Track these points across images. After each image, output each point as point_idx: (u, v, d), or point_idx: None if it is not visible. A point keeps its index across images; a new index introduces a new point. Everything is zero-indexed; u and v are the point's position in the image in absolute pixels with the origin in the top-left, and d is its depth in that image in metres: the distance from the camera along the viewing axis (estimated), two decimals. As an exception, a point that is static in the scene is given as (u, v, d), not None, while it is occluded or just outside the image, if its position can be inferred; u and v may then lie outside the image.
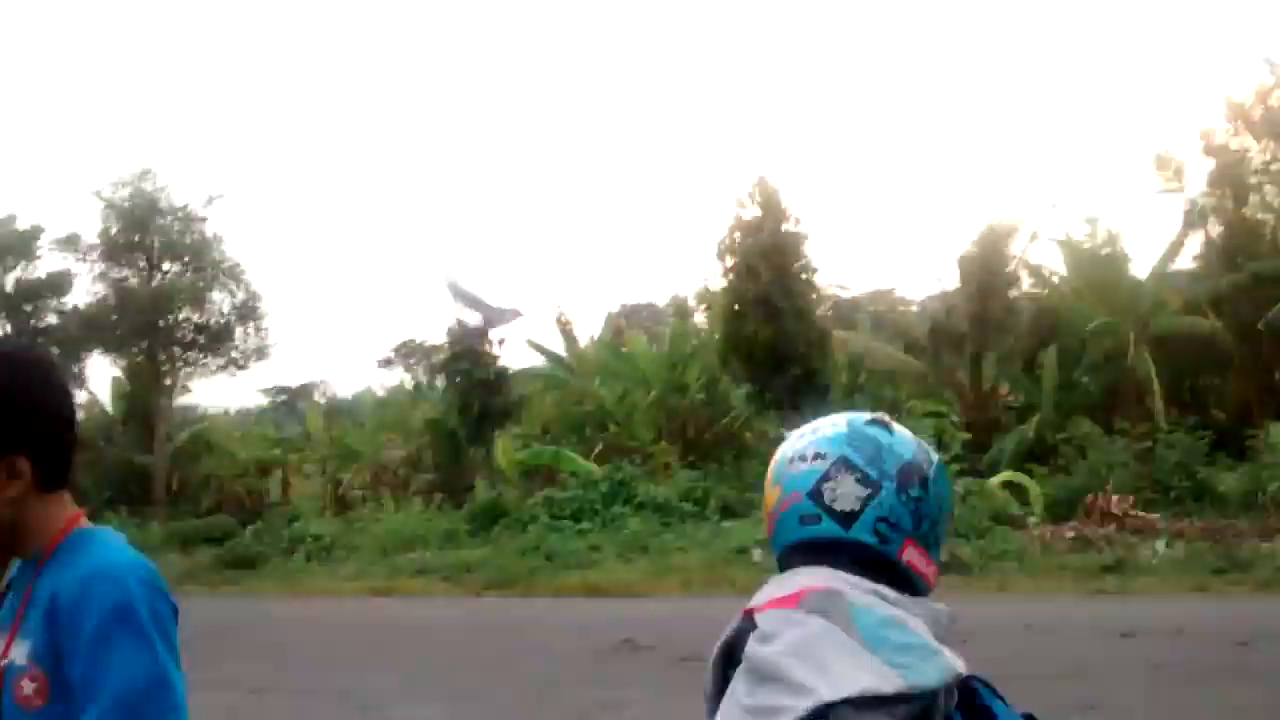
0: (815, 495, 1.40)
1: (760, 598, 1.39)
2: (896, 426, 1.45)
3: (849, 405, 19.76)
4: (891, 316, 26.78)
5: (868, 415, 1.47)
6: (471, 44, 75.78)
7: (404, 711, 7.05)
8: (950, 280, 20.34)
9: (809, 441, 1.45)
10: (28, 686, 1.55)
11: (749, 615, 1.37)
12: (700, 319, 24.72)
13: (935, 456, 1.46)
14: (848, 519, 1.38)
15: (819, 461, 1.41)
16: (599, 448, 21.21)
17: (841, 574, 1.34)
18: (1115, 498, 13.67)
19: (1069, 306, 18.87)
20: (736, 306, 18.95)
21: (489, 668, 8.01)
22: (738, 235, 19.21)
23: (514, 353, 24.02)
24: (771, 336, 17.79)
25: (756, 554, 10.86)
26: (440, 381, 24.06)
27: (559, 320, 24.60)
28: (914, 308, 31.70)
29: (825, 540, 1.39)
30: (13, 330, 26.53)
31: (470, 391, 19.44)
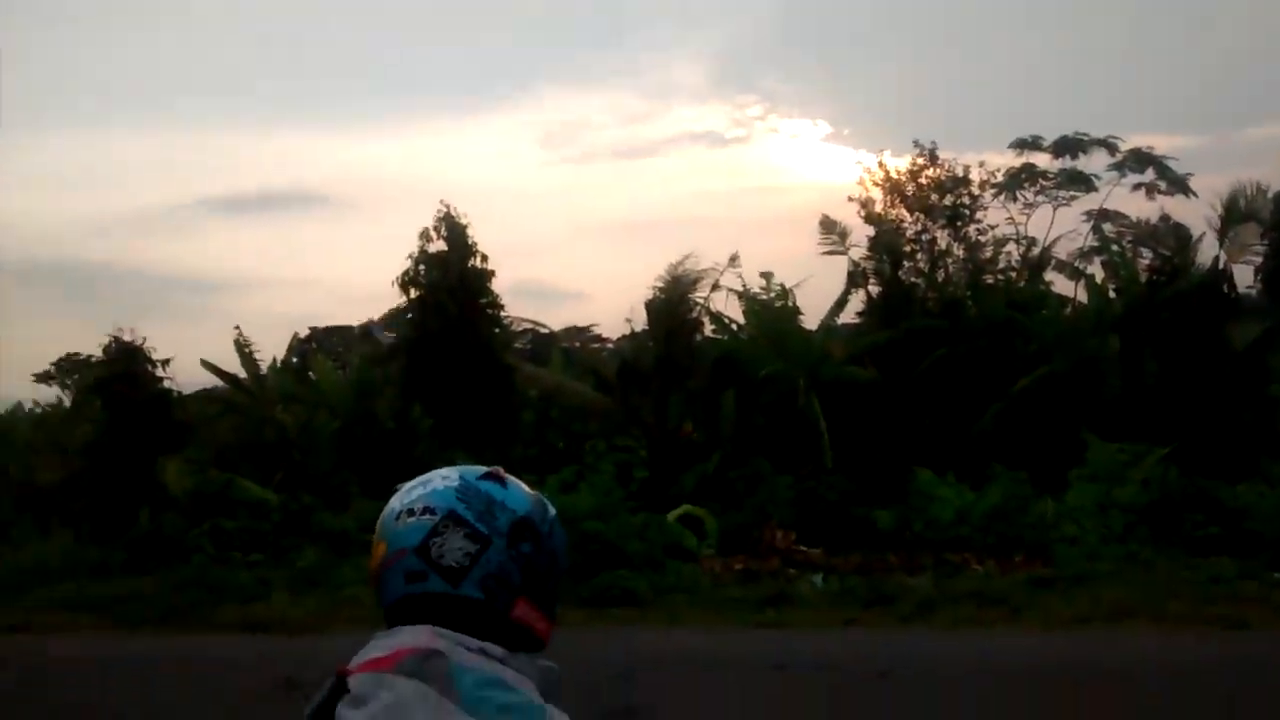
0: (422, 551, 1.37)
1: (358, 658, 1.35)
2: (512, 480, 1.45)
3: (538, 439, 20.01)
4: (584, 354, 27.37)
5: (482, 469, 1.45)
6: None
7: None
8: (640, 322, 21.06)
9: (419, 495, 1.42)
10: None
11: (342, 677, 1.33)
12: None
13: (552, 511, 1.46)
14: (455, 575, 1.36)
15: (428, 516, 1.38)
16: (279, 476, 20.34)
17: (445, 632, 1.31)
18: (780, 532, 14.49)
19: (747, 352, 19.98)
20: (421, 338, 18.89)
21: (133, 711, 7.45)
22: (422, 268, 19.11)
23: (186, 373, 22.65)
24: (456, 370, 17.83)
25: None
26: (96, 400, 22.36)
27: (237, 341, 23.44)
28: (609, 346, 32.56)
29: (433, 596, 1.36)
30: None
31: (130, 412, 18.20)
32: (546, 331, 29.92)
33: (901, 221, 21.54)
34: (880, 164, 22.38)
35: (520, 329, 26.61)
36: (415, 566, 1.37)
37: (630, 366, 21.10)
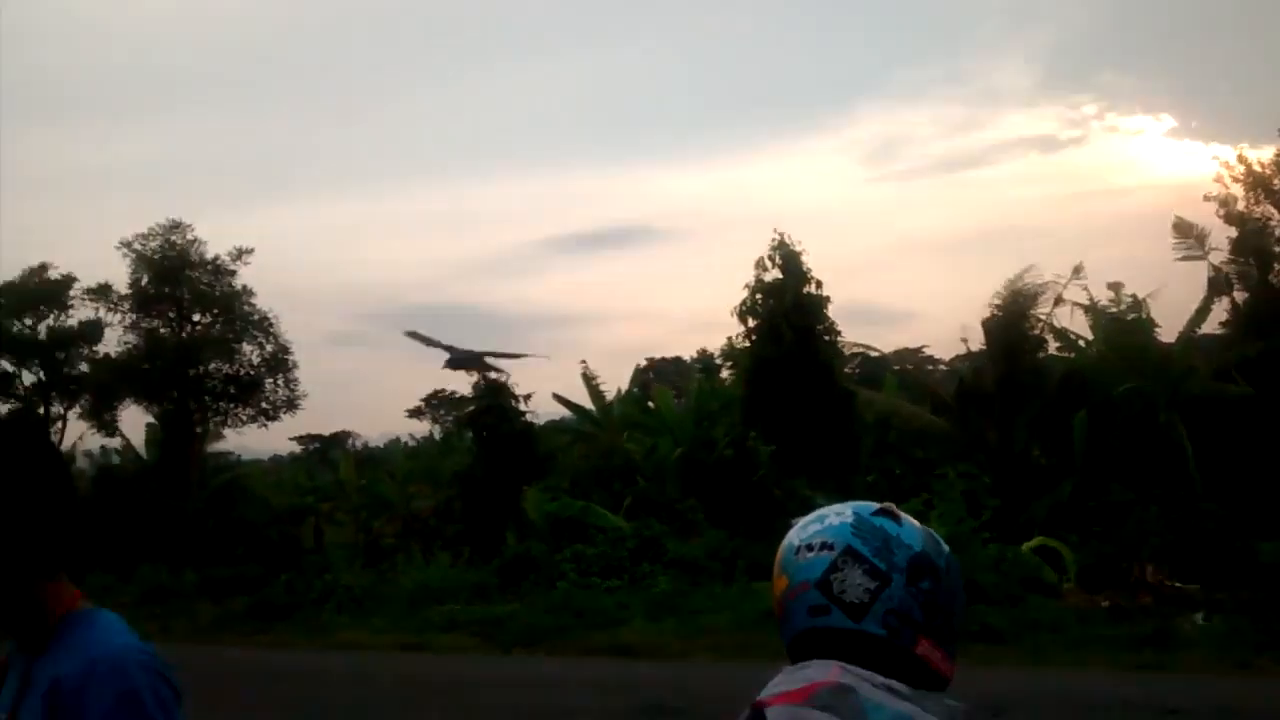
0: (824, 586, 1.39)
1: (770, 690, 1.37)
2: (905, 517, 1.45)
3: (876, 465, 19.76)
4: (917, 376, 26.76)
5: (874, 505, 1.46)
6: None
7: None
8: (976, 342, 20.39)
9: (815, 530, 1.44)
10: None
11: (759, 709, 1.34)
12: (726, 374, 24.79)
13: (945, 547, 1.46)
14: (857, 611, 1.37)
15: (826, 551, 1.41)
16: (627, 502, 21.22)
17: (853, 668, 1.33)
18: (1150, 567, 13.53)
19: (1097, 370, 18.86)
20: (760, 367, 19.13)
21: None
22: (759, 297, 19.38)
23: (540, 406, 24.10)
24: (796, 397, 17.92)
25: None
26: (468, 433, 24.19)
27: (585, 374, 24.67)
28: (942, 367, 31.66)
29: (835, 631, 1.38)
30: (45, 377, 26.92)
31: (498, 444, 19.55)
32: (877, 355, 29.51)
33: (1269, 219, 19.67)
34: (1240, 157, 20.49)
35: (851, 353, 26.42)
36: (817, 601, 1.39)
37: (969, 388, 20.44)
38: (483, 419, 19.96)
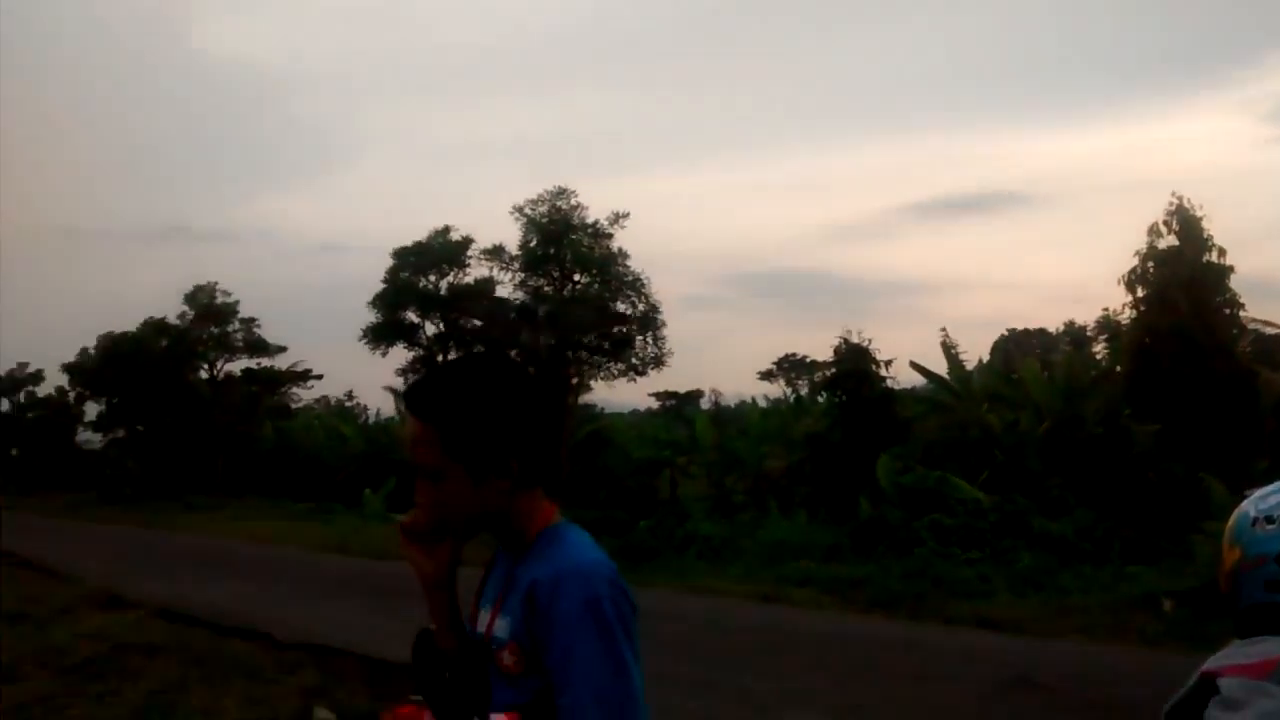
0: None
1: (1220, 661, 1.33)
2: None
3: (1271, 451, 18.02)
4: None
5: None
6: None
7: (799, 717, 7.34)
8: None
9: (1276, 502, 1.38)
10: (507, 658, 1.79)
11: (1208, 678, 1.32)
12: (1099, 349, 23.40)
13: None
14: None
15: None
16: (984, 476, 20.64)
17: None
18: None
19: None
20: (1147, 340, 17.83)
21: (879, 687, 8.14)
22: (1151, 265, 18.06)
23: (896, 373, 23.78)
24: (1188, 374, 16.60)
25: (1167, 604, 10.24)
26: (822, 396, 24.32)
27: (944, 343, 24.13)
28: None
29: None
30: (445, 328, 29.75)
31: (856, 410, 19.53)
32: (1276, 332, 26.80)
33: None
34: None
35: (1248, 327, 24.18)
36: (1276, 575, 1.33)
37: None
38: (843, 382, 19.99)
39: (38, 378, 57.22)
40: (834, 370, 20.82)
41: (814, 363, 39.93)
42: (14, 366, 57.59)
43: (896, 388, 21.66)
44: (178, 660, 9.42)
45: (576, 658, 1.67)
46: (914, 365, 24.27)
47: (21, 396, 58.28)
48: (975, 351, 26.51)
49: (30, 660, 9.77)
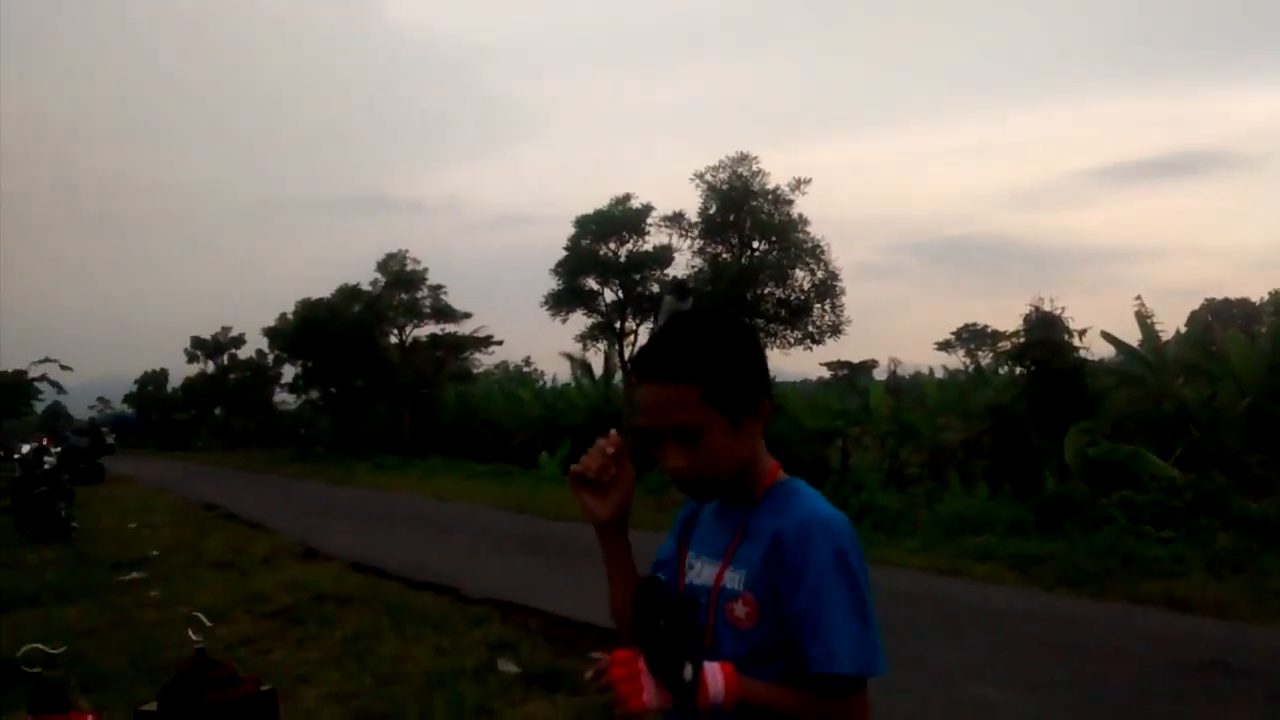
0: None
1: None
2: None
3: None
4: None
5: None
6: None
7: (981, 691, 7.21)
8: None
9: None
10: (739, 609, 1.83)
11: None
12: (1312, 320, 21.91)
13: None
14: None
15: None
16: (1178, 452, 19.69)
17: None
18: None
19: None
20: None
21: (1065, 664, 7.91)
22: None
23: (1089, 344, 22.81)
24: None
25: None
26: (1004, 368, 23.59)
27: (1139, 312, 23.04)
28: None
29: None
30: (623, 295, 30.10)
31: (1045, 381, 18.83)
32: None
33: None
34: None
35: None
36: None
37: None
38: (1032, 352, 19.28)
39: (239, 341, 60.80)
40: (1022, 339, 20.06)
41: (995, 333, 38.77)
42: (218, 330, 61.34)
43: (1087, 359, 20.74)
44: (370, 610, 9.93)
45: (828, 607, 1.72)
46: (1105, 336, 23.26)
47: (225, 359, 62.05)
48: (1172, 322, 25.30)
49: (236, 605, 10.46)
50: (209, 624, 4.99)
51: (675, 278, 26.88)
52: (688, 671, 1.67)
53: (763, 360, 1.93)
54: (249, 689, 4.67)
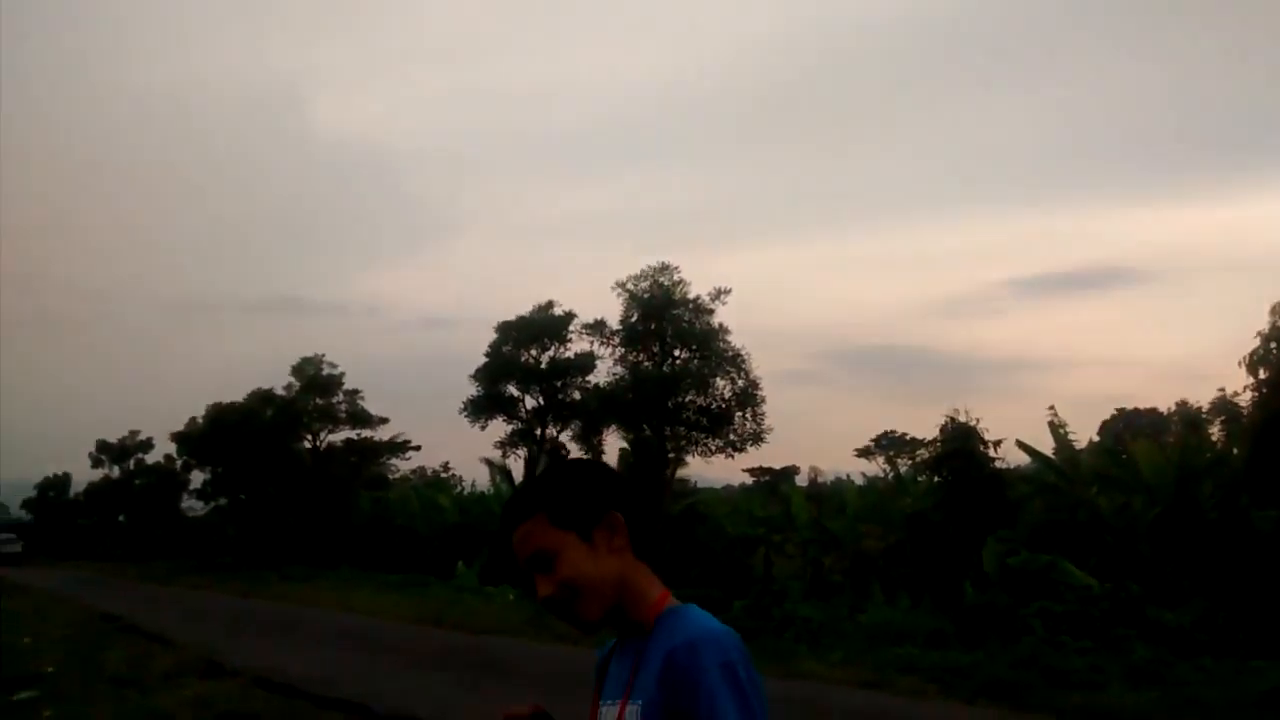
0: None
1: None
2: None
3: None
4: None
5: None
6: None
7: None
8: None
9: None
10: None
11: None
12: (1214, 431, 22.59)
13: None
14: None
15: None
16: (1093, 561, 19.94)
17: None
18: None
19: None
20: (1268, 423, 17.20)
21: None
22: (1275, 345, 17.46)
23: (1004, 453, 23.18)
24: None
25: (1295, 702, 9.67)
26: (922, 476, 23.84)
27: (1052, 422, 23.50)
28: None
29: None
30: (544, 401, 29.98)
31: (962, 490, 19.03)
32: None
33: None
34: None
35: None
36: None
37: None
38: (949, 461, 19.50)
39: (147, 446, 59.15)
40: (939, 448, 20.31)
41: (914, 440, 39.35)
42: (125, 434, 59.64)
43: (1003, 468, 21.05)
44: (278, 731, 9.48)
45: (720, 716, 1.72)
46: (1020, 444, 23.66)
47: (131, 464, 60.21)
48: (1084, 431, 25.84)
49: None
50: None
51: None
52: None
53: (608, 480, 1.99)
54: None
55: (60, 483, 74.22)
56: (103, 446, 60.59)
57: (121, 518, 64.34)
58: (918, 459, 24.36)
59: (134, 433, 59.73)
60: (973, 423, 19.61)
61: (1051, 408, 23.30)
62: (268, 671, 13.29)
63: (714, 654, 1.77)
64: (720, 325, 25.09)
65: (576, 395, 29.53)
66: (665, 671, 1.80)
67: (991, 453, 19.75)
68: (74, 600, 26.54)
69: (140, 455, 59.71)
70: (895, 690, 11.67)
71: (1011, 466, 24.12)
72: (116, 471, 60.86)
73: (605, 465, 2.04)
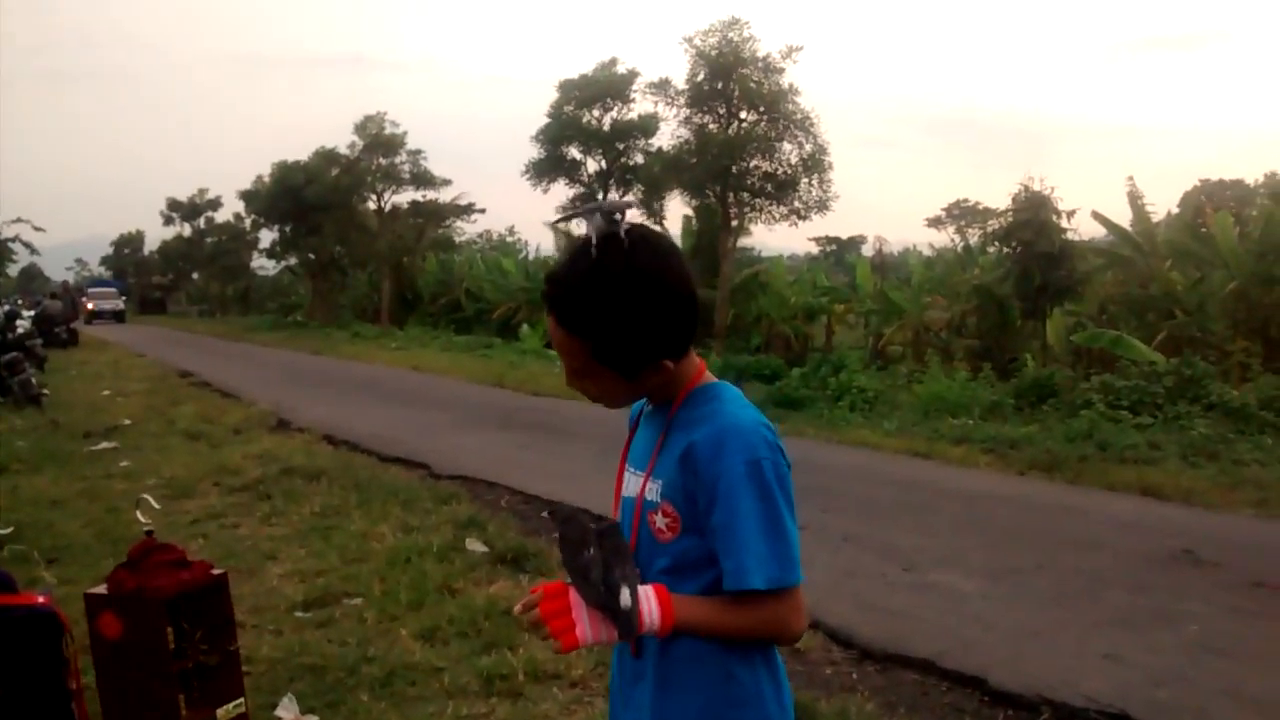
0: None
1: None
2: None
3: None
4: None
5: None
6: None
7: (948, 578, 7.17)
8: None
9: None
10: (659, 520, 1.78)
11: None
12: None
13: None
14: None
15: None
16: (1162, 336, 19.65)
17: None
18: None
19: None
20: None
21: (1032, 551, 7.87)
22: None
23: (1077, 225, 22.53)
24: None
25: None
26: (993, 247, 23.34)
27: (1130, 193, 22.70)
28: None
29: None
30: (606, 165, 29.47)
31: (1030, 262, 18.60)
32: None
33: None
34: None
35: None
36: None
37: None
38: (1019, 232, 18.97)
39: (216, 204, 59.82)
40: (1010, 219, 19.74)
41: (986, 210, 38.43)
42: (195, 193, 60.27)
43: (1075, 240, 20.50)
44: (340, 486, 9.82)
45: (739, 521, 1.67)
46: (1095, 216, 23.03)
47: (201, 222, 61.10)
48: (1165, 203, 24.92)
49: (205, 478, 10.35)
50: (157, 506, 4.81)
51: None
52: (625, 597, 1.62)
53: (670, 323, 1.75)
54: (200, 573, 4.54)
55: (135, 240, 75.91)
56: (173, 204, 61.39)
57: (195, 276, 65.97)
58: (988, 230, 23.75)
59: (203, 191, 60.33)
60: (1047, 192, 18.94)
61: (1130, 178, 22.48)
62: (334, 428, 13.72)
63: (739, 450, 1.69)
64: (790, 86, 24.06)
65: (639, 159, 28.94)
66: (686, 458, 1.73)
67: (1064, 223, 19.15)
68: (150, 356, 27.50)
69: (210, 214, 60.52)
70: (947, 460, 11.76)
71: (1086, 239, 23.56)
72: (188, 230, 61.90)
73: (662, 286, 1.73)
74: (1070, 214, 19.41)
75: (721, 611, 1.71)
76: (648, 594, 1.67)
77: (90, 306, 52.17)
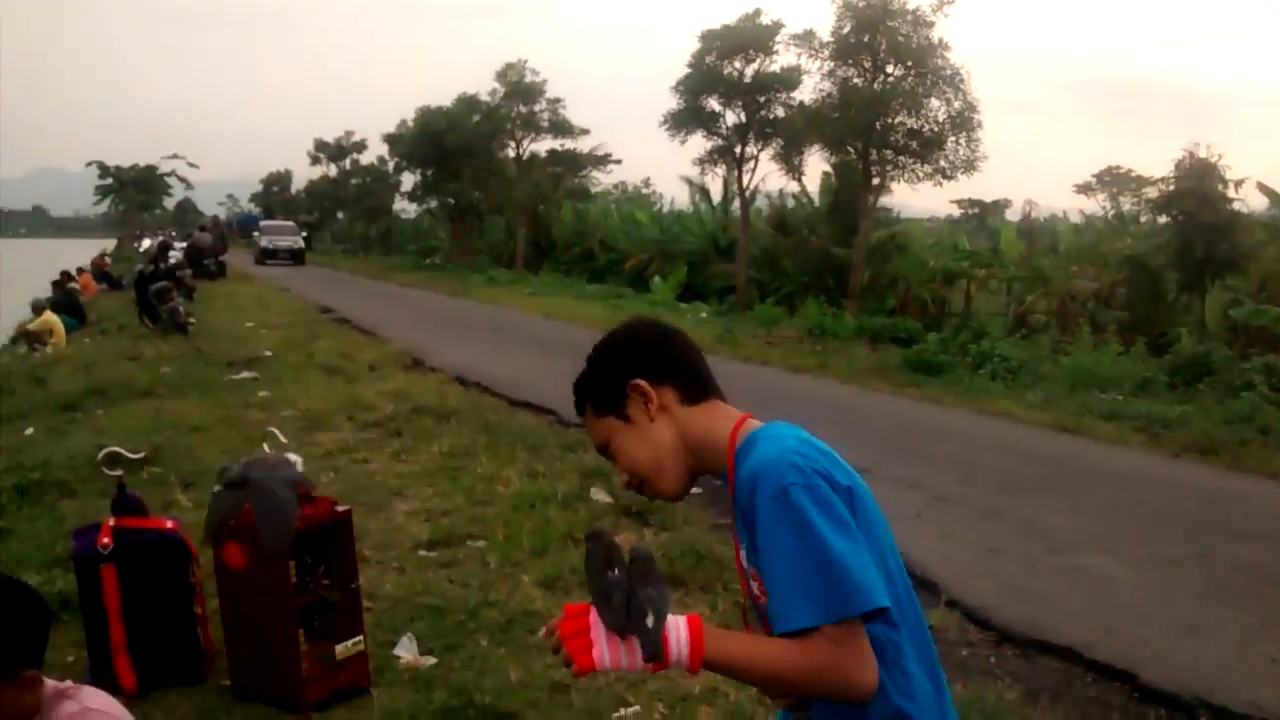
0: None
1: None
2: None
3: None
4: None
5: None
6: None
7: (1098, 563, 6.77)
8: None
9: None
10: (754, 586, 1.73)
11: None
12: None
13: None
14: None
15: None
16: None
17: None
18: None
19: None
20: None
21: (1189, 539, 7.39)
22: None
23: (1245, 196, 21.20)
24: None
25: None
26: (1146, 216, 22.20)
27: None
28: None
29: None
30: (745, 118, 28.97)
31: (1192, 233, 17.57)
32: None
33: None
34: None
35: None
36: None
37: None
38: (1180, 201, 17.93)
39: (361, 146, 61.10)
40: (1172, 187, 18.65)
41: (1140, 178, 36.66)
42: (341, 134, 61.63)
43: (1239, 211, 19.30)
44: (469, 427, 9.84)
45: (774, 561, 1.61)
46: (1261, 187, 21.68)
47: (347, 163, 62.52)
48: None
49: (340, 412, 10.50)
50: (284, 440, 4.79)
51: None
52: (650, 619, 1.57)
53: (619, 349, 1.86)
54: (324, 509, 4.51)
55: (283, 179, 78.20)
56: (320, 145, 62.93)
57: (340, 215, 67.71)
58: (1143, 198, 22.55)
59: (349, 133, 61.65)
60: (1213, 160, 17.81)
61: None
62: (466, 370, 13.83)
63: (767, 486, 1.62)
64: (940, 40, 23.13)
65: (780, 112, 28.32)
66: (739, 513, 1.72)
67: (1230, 194, 18.02)
68: (293, 292, 28.27)
69: (355, 155, 61.85)
70: (1095, 437, 11.20)
71: (1250, 211, 22.19)
72: (334, 170, 63.43)
73: (621, 330, 1.91)
74: (1238, 184, 18.27)
75: (765, 653, 1.62)
76: (678, 624, 1.60)
77: (264, 244, 44.93)
